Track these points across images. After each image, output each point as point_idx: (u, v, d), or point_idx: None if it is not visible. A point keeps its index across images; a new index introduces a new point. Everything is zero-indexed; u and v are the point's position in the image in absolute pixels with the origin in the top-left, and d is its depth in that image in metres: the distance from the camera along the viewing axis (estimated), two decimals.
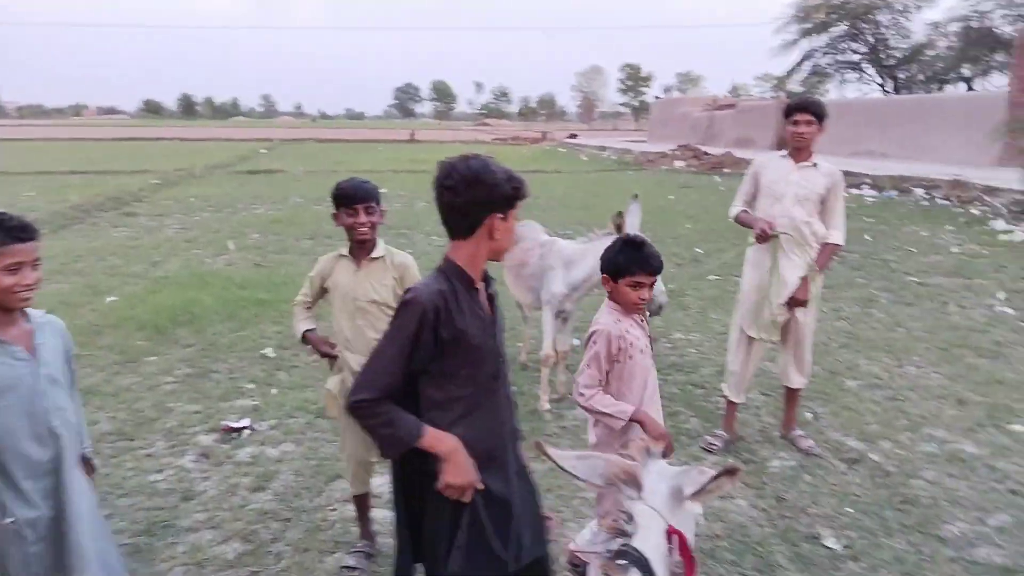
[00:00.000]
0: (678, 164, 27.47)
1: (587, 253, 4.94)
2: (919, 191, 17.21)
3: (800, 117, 4.37)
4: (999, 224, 12.89)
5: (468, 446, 2.13)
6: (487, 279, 2.27)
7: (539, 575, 2.38)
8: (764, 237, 4.39)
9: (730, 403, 4.78)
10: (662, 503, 1.88)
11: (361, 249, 3.25)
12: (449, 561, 2.14)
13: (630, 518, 1.84)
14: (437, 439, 2.10)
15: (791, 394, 4.79)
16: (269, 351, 6.31)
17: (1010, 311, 7.63)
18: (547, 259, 5.18)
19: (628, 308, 2.88)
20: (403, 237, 11.81)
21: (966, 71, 37.03)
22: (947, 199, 16.19)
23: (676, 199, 16.94)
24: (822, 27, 39.09)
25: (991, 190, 15.81)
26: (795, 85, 42.48)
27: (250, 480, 4.16)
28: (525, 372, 5.98)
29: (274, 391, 5.49)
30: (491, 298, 2.26)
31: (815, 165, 4.45)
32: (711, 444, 4.65)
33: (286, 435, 4.77)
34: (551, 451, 2.00)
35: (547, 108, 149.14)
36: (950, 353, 6.38)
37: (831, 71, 41.12)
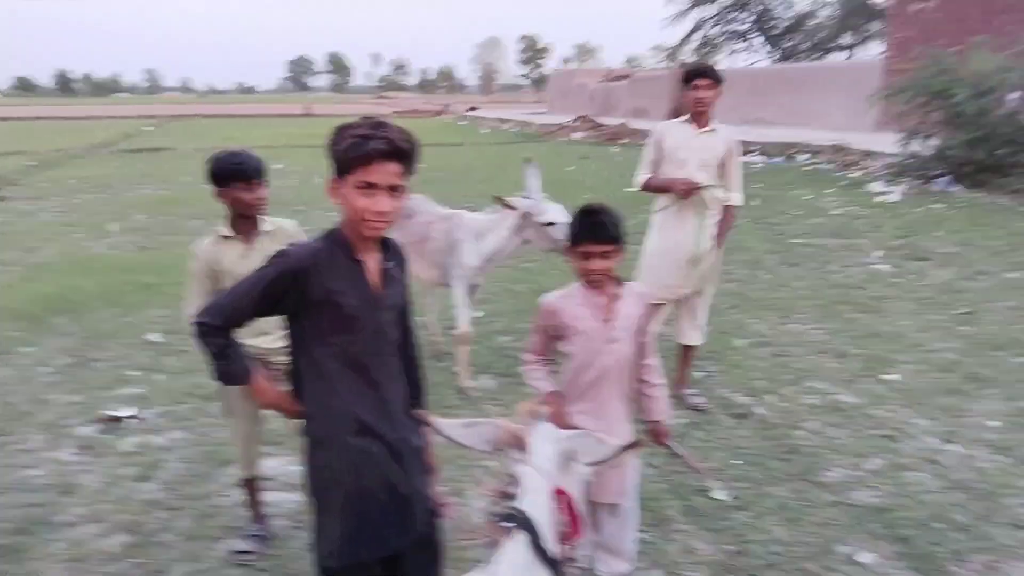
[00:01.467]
0: (577, 135, 27.72)
1: (498, 224, 4.87)
2: (803, 157, 17.94)
3: (700, 82, 4.42)
4: (877, 186, 13.57)
5: (341, 416, 2.07)
6: (389, 251, 2.16)
7: (428, 557, 2.34)
8: (689, 192, 4.42)
9: None
10: (549, 465, 1.89)
11: (250, 225, 3.11)
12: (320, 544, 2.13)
13: (515, 480, 1.84)
14: (259, 389, 2.21)
15: (687, 352, 4.91)
16: (156, 336, 6.04)
17: (886, 268, 8.07)
18: (456, 232, 5.03)
19: (581, 280, 2.61)
20: (300, 214, 11.46)
21: (846, 40, 38.71)
22: (829, 164, 16.94)
23: (576, 170, 17.12)
24: None
25: (869, 154, 16.63)
26: (687, 56, 43.38)
27: (135, 470, 3.98)
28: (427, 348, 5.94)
29: (162, 377, 5.27)
30: (386, 272, 2.14)
31: (714, 130, 4.55)
32: None
33: (175, 422, 4.59)
34: (435, 421, 1.97)
35: (447, 80, 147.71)
36: (831, 309, 6.71)
37: (721, 41, 42.22)
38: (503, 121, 38.28)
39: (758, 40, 40.95)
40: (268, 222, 3.16)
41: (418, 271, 5.33)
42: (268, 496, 3.58)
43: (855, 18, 36.89)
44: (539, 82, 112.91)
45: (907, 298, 7.00)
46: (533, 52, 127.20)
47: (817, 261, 8.47)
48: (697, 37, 42.05)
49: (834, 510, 3.59)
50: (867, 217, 10.91)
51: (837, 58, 38.17)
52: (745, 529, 3.44)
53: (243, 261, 3.04)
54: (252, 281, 2.05)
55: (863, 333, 6.06)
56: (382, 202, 1.96)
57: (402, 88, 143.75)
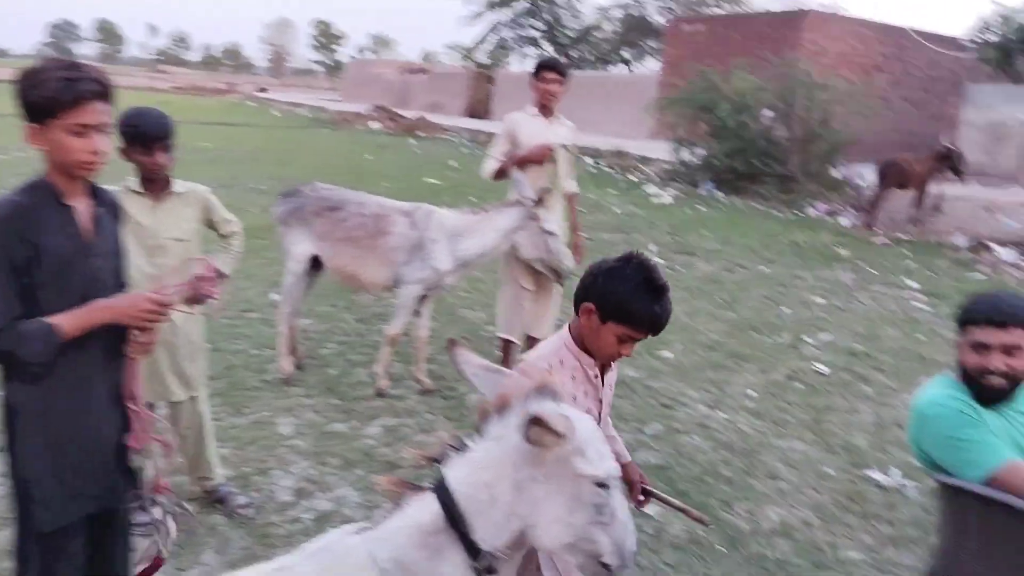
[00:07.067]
0: (374, 125, 27.50)
1: (485, 223, 4.52)
2: (588, 160, 19.12)
3: (550, 76, 4.65)
4: (651, 189, 14.83)
5: (52, 372, 2.01)
6: (99, 198, 2.13)
7: (116, 526, 2.30)
8: (545, 153, 4.60)
9: (506, 343, 4.93)
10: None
11: (158, 186, 3.10)
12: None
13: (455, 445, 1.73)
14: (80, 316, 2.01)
15: (536, 343, 4.95)
16: None
17: (659, 261, 8.88)
18: (426, 231, 4.54)
19: (600, 356, 2.19)
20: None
21: (626, 54, 41.56)
22: (611, 167, 18.22)
23: (374, 159, 17.04)
24: (506, 1, 41.27)
25: (645, 160, 18.10)
26: (482, 56, 44.40)
27: None
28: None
29: None
30: (97, 218, 2.11)
31: (560, 119, 4.84)
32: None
33: None
34: (460, 351, 1.96)
35: (233, 59, 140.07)
36: None
37: (514, 45, 43.63)
38: (296, 105, 37.16)
39: (548, 47, 42.78)
40: (179, 184, 3.16)
41: (356, 271, 4.72)
42: None
43: (633, 34, 39.75)
44: (333, 69, 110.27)
45: (677, 287, 7.76)
46: (327, 38, 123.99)
47: (603, 253, 9.03)
48: (492, 39, 43.17)
49: None
50: (643, 216, 11.91)
51: (618, 70, 40.86)
52: None
53: (153, 215, 3.07)
54: None
55: None
56: (97, 142, 1.96)
57: (183, 63, 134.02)
